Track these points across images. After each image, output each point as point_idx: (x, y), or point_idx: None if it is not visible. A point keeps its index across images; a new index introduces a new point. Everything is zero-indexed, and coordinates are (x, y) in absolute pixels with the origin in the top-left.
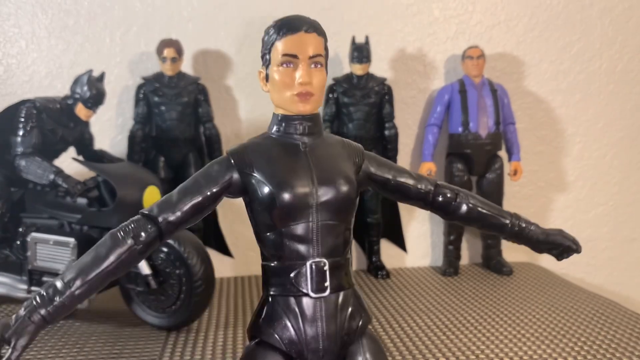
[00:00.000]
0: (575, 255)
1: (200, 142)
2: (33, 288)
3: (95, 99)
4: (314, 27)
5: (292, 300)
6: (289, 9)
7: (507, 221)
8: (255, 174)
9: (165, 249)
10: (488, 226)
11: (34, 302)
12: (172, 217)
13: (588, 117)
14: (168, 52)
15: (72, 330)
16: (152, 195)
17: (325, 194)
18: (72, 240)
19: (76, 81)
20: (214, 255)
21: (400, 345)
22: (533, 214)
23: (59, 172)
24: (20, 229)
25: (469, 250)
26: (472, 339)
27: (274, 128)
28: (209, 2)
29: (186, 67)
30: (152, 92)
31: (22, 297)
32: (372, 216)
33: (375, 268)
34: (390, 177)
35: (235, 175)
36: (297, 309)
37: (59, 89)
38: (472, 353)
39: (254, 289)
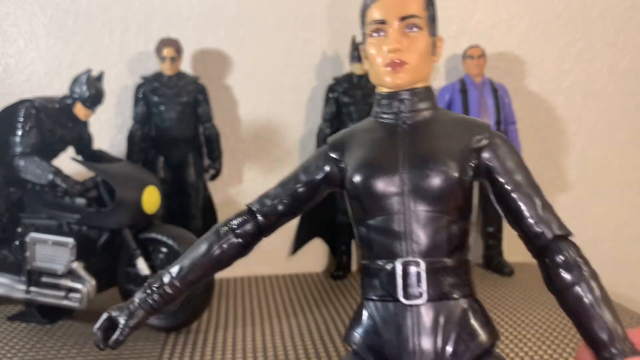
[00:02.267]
0: None
1: (199, 141)
2: (32, 288)
3: (94, 99)
4: None
5: (384, 305)
6: (287, 9)
7: (604, 342)
8: (345, 161)
9: (164, 250)
10: (577, 324)
11: (145, 291)
12: (269, 210)
13: (589, 117)
14: (167, 52)
15: (72, 331)
16: (151, 195)
17: (415, 178)
18: (71, 240)
19: (75, 81)
20: None
21: None
22: None
23: (57, 172)
24: (19, 229)
25: (471, 252)
26: None
27: (375, 109)
28: (208, 1)
29: (185, 66)
30: (151, 92)
31: (21, 297)
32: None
33: None
34: (507, 187)
35: (332, 165)
36: (388, 317)
37: (58, 88)
38: None
39: (254, 289)
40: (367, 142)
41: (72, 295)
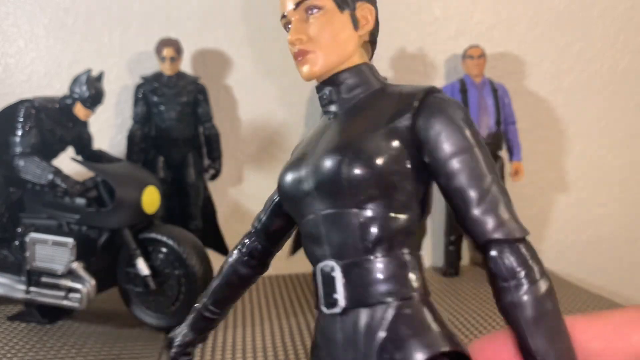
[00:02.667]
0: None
1: (199, 141)
2: (31, 288)
3: (94, 99)
4: None
5: (321, 315)
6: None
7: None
8: None
9: (164, 250)
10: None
11: (188, 319)
12: (259, 224)
13: (589, 117)
14: (167, 52)
15: (72, 331)
16: (151, 195)
17: (314, 175)
18: (70, 240)
19: (75, 81)
20: (214, 256)
21: None
22: (534, 215)
23: (57, 172)
24: (19, 229)
25: (470, 250)
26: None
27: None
28: (208, 1)
29: (185, 66)
30: (151, 92)
31: (21, 297)
32: None
33: None
34: (443, 168)
35: None
36: (324, 329)
37: (58, 88)
38: None
39: (254, 289)
40: (304, 142)
41: (72, 295)
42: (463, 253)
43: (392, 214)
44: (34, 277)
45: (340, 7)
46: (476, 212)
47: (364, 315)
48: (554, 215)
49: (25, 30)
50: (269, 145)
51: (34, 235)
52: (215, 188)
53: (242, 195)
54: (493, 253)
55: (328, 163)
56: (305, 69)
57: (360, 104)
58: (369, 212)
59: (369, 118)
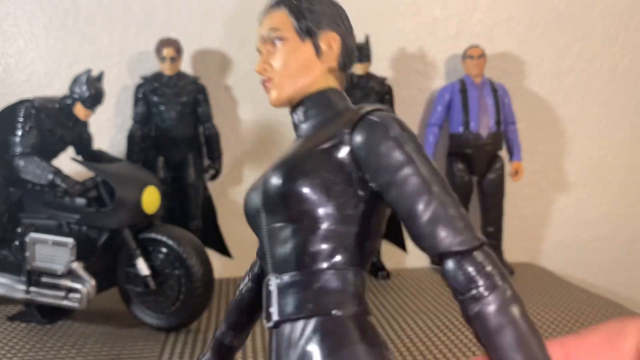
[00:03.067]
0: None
1: (199, 141)
2: (31, 288)
3: (94, 99)
4: (277, 2)
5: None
6: None
7: None
8: None
9: (164, 250)
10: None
11: (210, 345)
12: (259, 251)
13: (589, 117)
14: (167, 52)
15: (72, 331)
16: (151, 196)
17: (261, 191)
18: (70, 240)
19: (75, 81)
20: (214, 256)
21: (400, 346)
22: (534, 215)
23: (57, 172)
24: (19, 229)
25: None
26: (472, 340)
27: None
28: (208, 1)
29: (185, 66)
30: (151, 92)
31: (21, 297)
32: None
33: (376, 269)
34: (385, 186)
35: None
36: (268, 342)
37: (58, 88)
38: (472, 354)
39: None
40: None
41: (72, 295)
42: None
43: (328, 229)
44: (34, 277)
45: (301, 37)
46: (423, 225)
47: (288, 330)
48: (553, 215)
49: (25, 30)
50: (269, 146)
51: (34, 235)
52: (215, 188)
53: (242, 195)
54: (448, 266)
55: (269, 179)
56: (271, 95)
57: (317, 127)
58: (303, 227)
59: (316, 138)
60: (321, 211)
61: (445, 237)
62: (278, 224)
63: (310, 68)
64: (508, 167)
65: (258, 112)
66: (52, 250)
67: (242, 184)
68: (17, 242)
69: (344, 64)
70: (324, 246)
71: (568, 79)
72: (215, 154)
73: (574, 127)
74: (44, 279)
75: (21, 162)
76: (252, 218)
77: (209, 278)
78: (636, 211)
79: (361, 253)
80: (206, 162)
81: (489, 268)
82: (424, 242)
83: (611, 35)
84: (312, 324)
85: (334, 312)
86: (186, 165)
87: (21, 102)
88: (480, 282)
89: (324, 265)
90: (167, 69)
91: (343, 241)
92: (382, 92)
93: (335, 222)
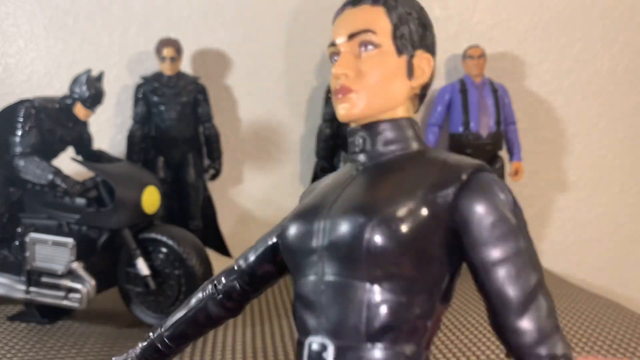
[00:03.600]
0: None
1: (199, 142)
2: (31, 288)
3: (94, 99)
4: None
5: None
6: (288, 9)
7: None
8: None
9: (164, 250)
10: None
11: (142, 343)
12: (245, 264)
13: (589, 117)
14: (167, 52)
15: (72, 331)
16: (151, 196)
17: (329, 232)
18: (70, 240)
19: (75, 81)
20: (214, 256)
21: None
22: (534, 215)
23: (57, 172)
24: (19, 229)
25: None
26: (473, 340)
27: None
28: (208, 1)
29: (185, 66)
30: (151, 92)
31: (21, 297)
32: None
33: None
34: (476, 268)
35: None
36: None
37: (58, 88)
38: (472, 354)
39: None
40: (319, 189)
41: (72, 295)
42: None
43: (409, 300)
44: (34, 277)
45: (399, 50)
46: (516, 320)
47: None
48: (553, 215)
49: (25, 30)
50: (269, 146)
51: (33, 235)
52: (215, 188)
53: (242, 195)
54: None
55: (348, 222)
56: (344, 108)
57: (394, 163)
58: (382, 291)
59: (403, 181)
60: (405, 277)
61: (538, 338)
62: (349, 280)
63: (398, 89)
64: (508, 167)
65: (258, 112)
66: (52, 250)
67: (242, 184)
68: (17, 242)
69: (425, 92)
70: (401, 320)
71: (568, 79)
72: (215, 154)
73: (574, 127)
74: (44, 279)
75: (21, 162)
76: (299, 257)
77: (208, 278)
78: (636, 211)
79: (434, 331)
80: (206, 162)
81: None
82: (513, 337)
83: (611, 35)
84: None
85: None
86: (186, 165)
87: (21, 102)
88: None
89: (397, 343)
90: (167, 69)
91: (422, 317)
92: None
93: (418, 292)
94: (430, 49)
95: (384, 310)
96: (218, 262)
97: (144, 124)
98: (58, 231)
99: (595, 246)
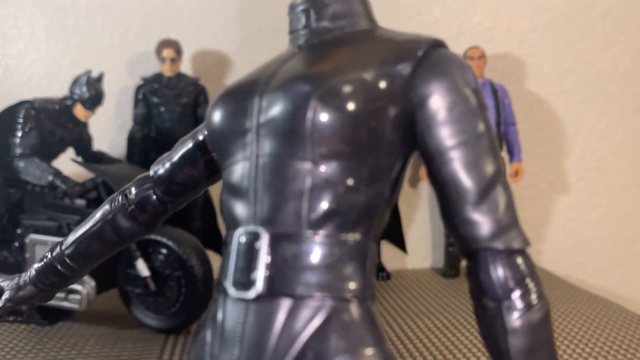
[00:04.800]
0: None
1: None
2: None
3: (94, 100)
4: None
5: (218, 299)
6: (285, 11)
7: None
8: None
9: (164, 251)
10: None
11: (38, 264)
12: (163, 170)
13: (590, 118)
14: (167, 53)
15: (71, 332)
16: None
17: (265, 108)
18: None
19: (75, 82)
20: (214, 257)
21: (400, 348)
22: (534, 216)
23: (57, 173)
24: (19, 231)
25: None
26: (473, 341)
27: None
28: (208, 3)
29: (185, 67)
30: (151, 93)
31: None
32: None
33: (376, 269)
34: (437, 146)
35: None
36: (219, 316)
37: (58, 89)
38: (472, 355)
39: None
40: (252, 72)
41: (71, 296)
42: None
43: (355, 184)
44: None
45: None
46: (471, 211)
47: (284, 309)
48: (554, 216)
49: (25, 31)
50: None
51: (33, 236)
52: (215, 188)
53: None
54: (484, 264)
55: (290, 94)
56: None
57: (342, 39)
58: (326, 173)
59: (353, 55)
60: (355, 159)
61: (494, 230)
62: (287, 159)
63: None
64: (508, 169)
65: None
66: None
67: None
68: (17, 244)
69: None
70: (347, 205)
71: (568, 80)
72: None
73: (574, 128)
74: None
75: (21, 164)
76: (228, 139)
77: (209, 279)
78: (637, 212)
79: (380, 224)
80: None
81: (529, 279)
82: (467, 229)
83: (611, 36)
84: (324, 309)
85: (348, 297)
86: None
87: (21, 103)
88: (517, 293)
89: (342, 232)
90: (167, 70)
91: (369, 205)
92: None
93: (365, 177)
94: None
95: (327, 193)
96: (218, 263)
97: (144, 125)
98: (58, 232)
99: (596, 247)
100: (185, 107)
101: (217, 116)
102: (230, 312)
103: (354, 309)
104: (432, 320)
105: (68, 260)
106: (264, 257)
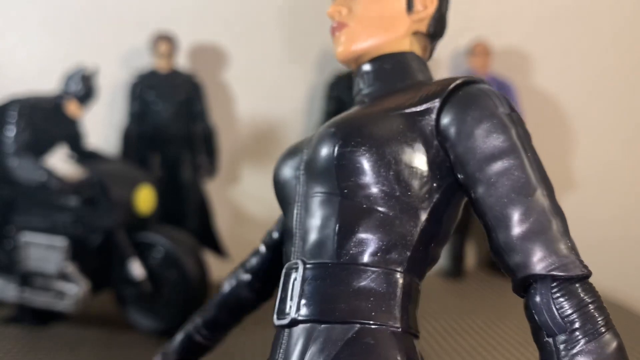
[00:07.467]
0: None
1: (195, 140)
2: (24, 290)
3: (87, 96)
4: None
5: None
6: (286, 4)
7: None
8: None
9: (159, 251)
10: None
11: (176, 339)
12: (270, 240)
13: (597, 115)
14: (162, 48)
15: (66, 334)
16: (146, 195)
17: (309, 153)
18: (63, 241)
19: (68, 78)
20: (211, 257)
21: None
22: None
23: (50, 171)
24: (11, 230)
25: (474, 251)
26: (476, 343)
27: None
28: None
29: (181, 62)
30: (147, 90)
31: (13, 299)
32: None
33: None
34: (475, 173)
35: None
36: (273, 345)
37: (51, 86)
38: (473, 358)
39: None
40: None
41: (65, 297)
42: (467, 254)
43: (386, 215)
44: (26, 279)
45: None
46: (516, 235)
47: (306, 333)
48: None
49: (18, 27)
50: (266, 143)
51: (26, 235)
52: (211, 187)
53: (239, 194)
54: (538, 295)
55: (322, 139)
56: (341, 44)
57: (389, 93)
58: (354, 203)
59: (390, 102)
60: (382, 190)
61: (544, 255)
62: (320, 194)
63: (395, 23)
64: None
65: (255, 109)
66: (44, 251)
67: (240, 183)
68: (9, 243)
69: (434, 33)
70: (377, 235)
71: (575, 75)
72: (211, 152)
73: (581, 125)
74: (37, 281)
75: (14, 162)
76: (284, 190)
77: (204, 280)
78: None
79: (422, 258)
80: (202, 160)
81: (592, 307)
82: (513, 258)
83: (620, 30)
84: (342, 332)
85: (381, 323)
86: (181, 164)
87: (13, 101)
88: (577, 324)
89: (372, 259)
90: (162, 65)
91: (403, 236)
92: None
93: (398, 208)
94: None
95: (354, 224)
96: (214, 263)
97: (138, 122)
98: (51, 231)
99: (603, 247)
100: (180, 104)
101: (276, 169)
102: (276, 339)
103: (383, 336)
104: (435, 322)
105: (202, 329)
106: (297, 287)
